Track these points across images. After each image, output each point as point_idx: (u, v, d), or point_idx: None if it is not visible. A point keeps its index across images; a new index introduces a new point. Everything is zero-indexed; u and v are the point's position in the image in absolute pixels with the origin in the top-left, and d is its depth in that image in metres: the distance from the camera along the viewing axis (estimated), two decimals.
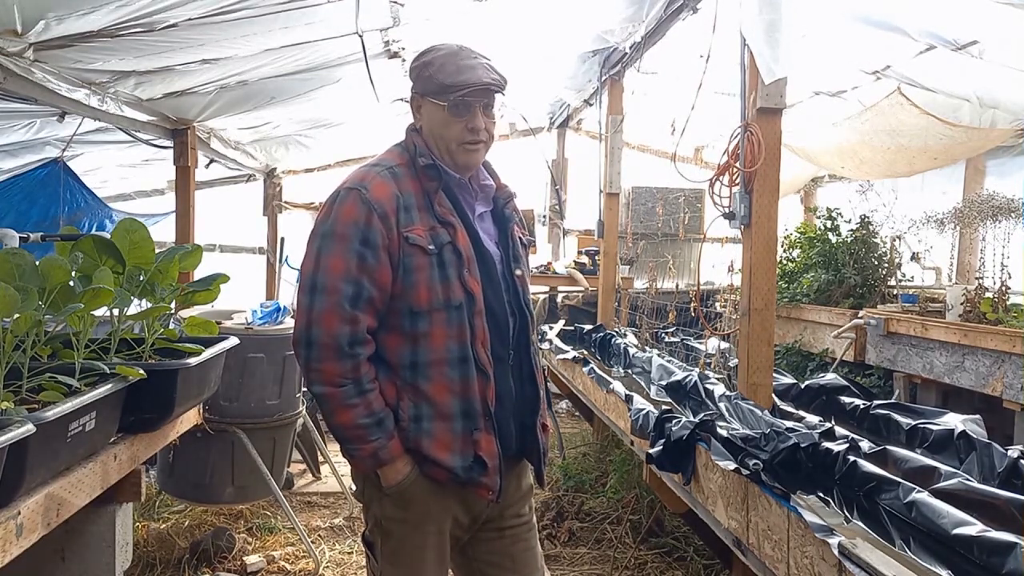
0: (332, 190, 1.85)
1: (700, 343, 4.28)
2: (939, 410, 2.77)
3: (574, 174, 8.44)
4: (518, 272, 1.94)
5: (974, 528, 1.63)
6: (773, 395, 2.89)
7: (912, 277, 4.82)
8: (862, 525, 1.92)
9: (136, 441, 2.32)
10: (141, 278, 2.35)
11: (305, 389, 4.07)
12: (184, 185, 4.91)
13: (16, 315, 1.77)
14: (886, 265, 4.61)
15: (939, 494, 1.85)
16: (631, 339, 4.86)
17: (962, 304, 3.64)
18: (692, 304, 4.07)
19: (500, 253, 1.94)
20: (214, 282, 2.57)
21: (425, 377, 1.80)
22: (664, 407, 3.11)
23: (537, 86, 6.27)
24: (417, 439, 1.80)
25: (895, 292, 4.43)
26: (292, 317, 3.90)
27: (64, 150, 4.81)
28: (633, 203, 7.16)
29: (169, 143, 4.78)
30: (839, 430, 2.49)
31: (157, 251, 2.38)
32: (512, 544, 1.98)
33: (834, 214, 4.95)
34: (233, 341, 2.78)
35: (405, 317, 1.80)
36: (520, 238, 2.01)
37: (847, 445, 2.17)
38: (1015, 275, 3.61)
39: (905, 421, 2.67)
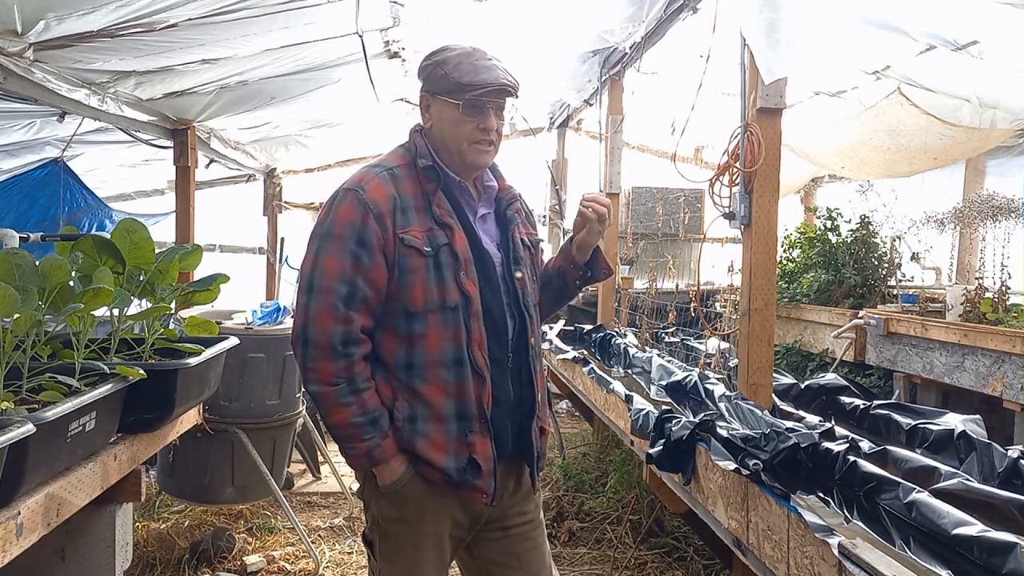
0: (333, 190, 1.86)
1: (700, 343, 4.28)
2: (939, 410, 2.77)
3: (574, 174, 8.42)
4: (518, 275, 1.93)
5: (974, 528, 1.63)
6: (773, 395, 2.89)
7: (912, 277, 4.82)
8: (862, 525, 1.92)
9: (136, 441, 2.32)
10: (141, 278, 2.35)
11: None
12: (184, 185, 4.91)
13: (16, 315, 1.77)
14: (886, 265, 4.61)
15: (939, 494, 1.85)
16: (631, 339, 4.85)
17: (962, 304, 3.64)
18: (692, 304, 4.06)
19: (501, 255, 1.93)
20: (214, 282, 2.57)
21: (420, 378, 1.80)
22: (664, 407, 3.10)
23: (537, 86, 6.26)
24: (411, 440, 1.80)
25: (895, 292, 4.43)
26: (292, 317, 3.90)
27: (64, 150, 4.81)
28: (633, 203, 7.16)
29: (169, 143, 4.78)
30: (839, 430, 2.49)
31: (157, 251, 2.38)
32: (518, 543, 1.97)
33: (834, 214, 4.95)
34: (233, 341, 2.78)
35: (401, 318, 1.80)
36: (524, 239, 2.00)
37: (847, 445, 2.17)
38: (1015, 275, 3.61)
39: (905, 421, 2.67)
